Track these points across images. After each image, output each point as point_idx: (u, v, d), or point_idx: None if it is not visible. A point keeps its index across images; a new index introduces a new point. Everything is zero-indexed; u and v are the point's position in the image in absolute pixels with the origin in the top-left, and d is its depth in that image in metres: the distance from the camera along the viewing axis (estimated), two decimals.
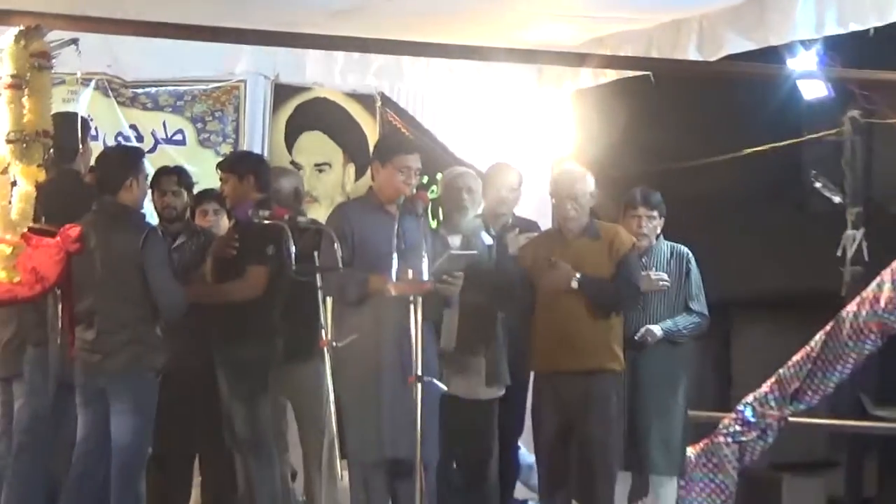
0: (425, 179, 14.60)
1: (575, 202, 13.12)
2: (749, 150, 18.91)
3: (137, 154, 12.92)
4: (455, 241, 13.12)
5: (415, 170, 12.51)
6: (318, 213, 14.67)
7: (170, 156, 15.01)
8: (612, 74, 16.00)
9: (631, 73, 15.85)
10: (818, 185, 17.68)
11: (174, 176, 13.49)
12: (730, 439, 15.88)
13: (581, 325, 13.09)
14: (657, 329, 13.03)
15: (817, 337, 15.21)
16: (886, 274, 14.66)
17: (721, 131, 19.20)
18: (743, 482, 16.14)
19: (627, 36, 14.99)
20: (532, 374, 13.39)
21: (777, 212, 19.41)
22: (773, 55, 14.33)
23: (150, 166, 13.47)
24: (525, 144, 16.40)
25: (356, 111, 16.30)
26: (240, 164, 13.23)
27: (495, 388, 13.07)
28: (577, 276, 12.85)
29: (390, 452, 12.22)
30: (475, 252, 12.92)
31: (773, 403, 15.63)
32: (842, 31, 13.43)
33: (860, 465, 21.67)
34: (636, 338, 12.98)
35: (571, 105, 16.69)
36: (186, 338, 12.61)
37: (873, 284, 14.83)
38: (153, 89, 15.61)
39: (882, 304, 14.58)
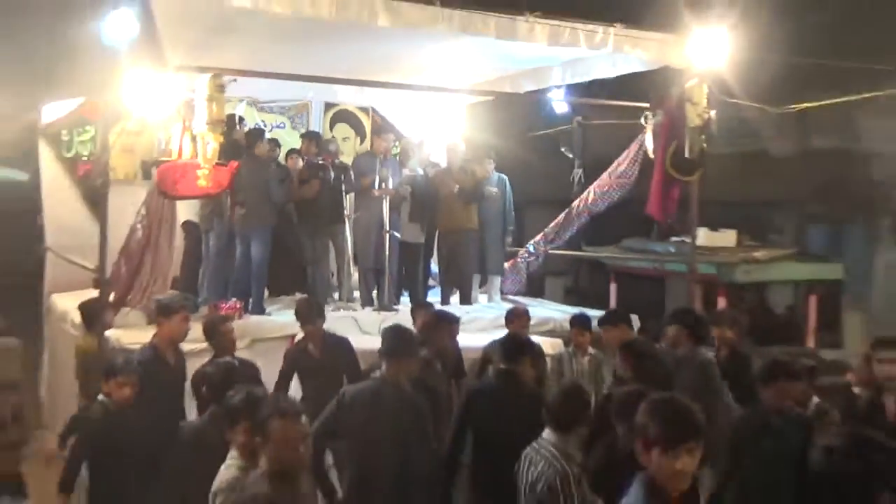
0: (395, 146, 16.27)
1: (454, 155, 15.59)
2: (536, 133, 18.37)
3: (260, 132, 14.42)
4: (406, 171, 15.05)
5: (391, 142, 15.54)
6: (345, 158, 16.09)
7: (278, 134, 16.94)
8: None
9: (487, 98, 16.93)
10: (563, 149, 17.90)
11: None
12: (523, 259, 16.90)
13: (458, 207, 15.10)
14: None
15: (561, 215, 16.33)
16: (591, 188, 15.81)
17: (528, 124, 18.76)
18: (528, 278, 17.15)
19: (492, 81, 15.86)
20: (437, 231, 15.47)
21: (547, 161, 19.33)
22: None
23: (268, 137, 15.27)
24: (439, 131, 17.24)
25: (360, 114, 18.32)
26: (309, 136, 15.39)
27: (422, 236, 15.14)
28: (457, 186, 15.00)
29: (375, 264, 14.40)
30: (415, 175, 15.01)
31: (542, 243, 16.58)
32: (573, 81, 14.91)
33: (578, 272, 22.78)
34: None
35: (465, 112, 17.87)
36: (288, 218, 14.49)
37: (584, 193, 16.03)
38: (271, 103, 17.48)
39: (588, 201, 15.64)
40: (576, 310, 13.47)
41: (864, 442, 4.31)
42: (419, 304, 12.43)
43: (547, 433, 6.53)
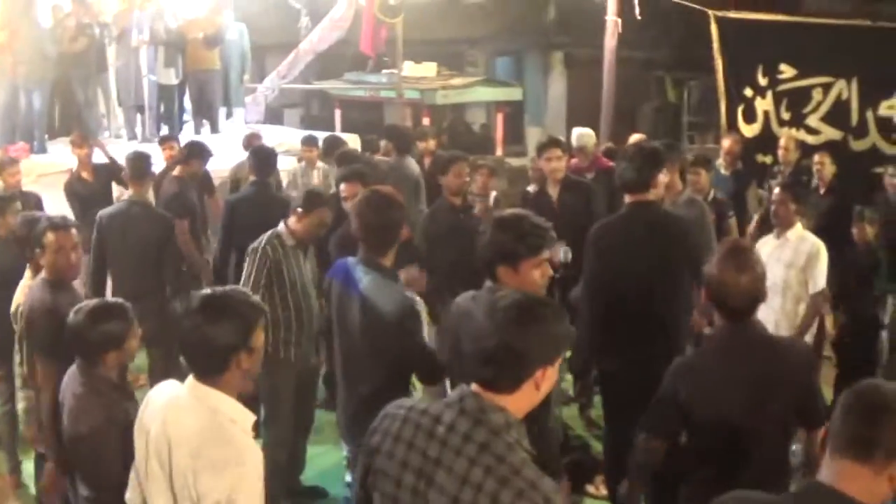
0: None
1: (201, 8, 15.45)
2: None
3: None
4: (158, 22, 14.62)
5: None
6: (106, 18, 15.07)
7: None
8: None
9: None
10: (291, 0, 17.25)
11: None
12: (261, 93, 17.23)
13: (203, 53, 14.85)
14: None
15: (290, 55, 16.80)
16: (315, 30, 16.46)
17: None
18: (267, 109, 17.78)
19: None
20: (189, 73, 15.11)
21: (279, 9, 18.59)
22: None
23: None
24: None
25: None
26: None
27: (176, 78, 14.88)
28: (202, 34, 14.74)
29: (137, 102, 14.52)
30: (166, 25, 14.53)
31: (276, 79, 16.96)
32: None
33: (310, 102, 22.88)
34: None
35: None
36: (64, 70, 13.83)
37: (311, 34, 16.60)
38: None
39: (314, 41, 16.37)
40: (309, 133, 13.77)
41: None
42: (165, 137, 12.30)
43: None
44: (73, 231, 5.75)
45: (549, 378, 3.00)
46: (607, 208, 8.61)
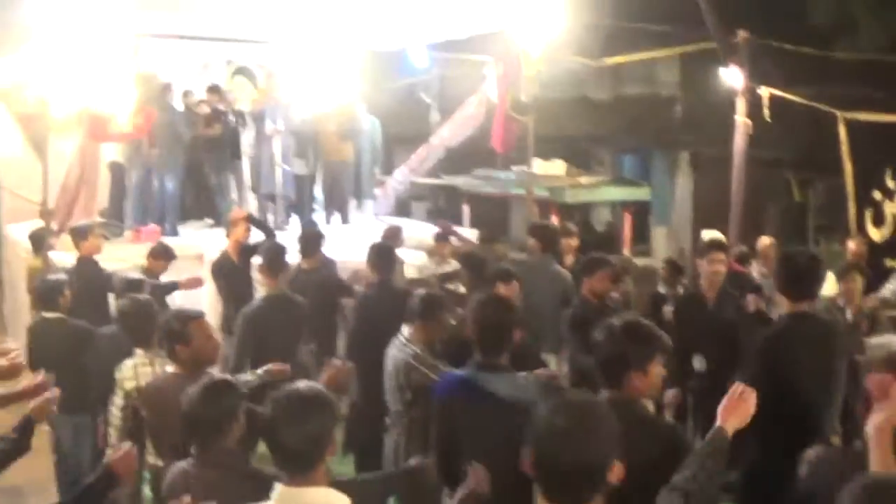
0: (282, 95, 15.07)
1: (334, 100, 14.72)
2: (401, 82, 18.58)
3: (170, 85, 13.94)
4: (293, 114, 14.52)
5: (279, 90, 14.62)
6: (241, 106, 15.51)
7: (187, 86, 15.41)
8: None
9: None
10: (422, 95, 17.93)
11: None
12: (391, 186, 16.98)
13: (338, 144, 14.84)
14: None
15: (421, 150, 16.73)
16: (445, 126, 16.22)
17: (387, 74, 18.32)
18: (397, 202, 17.47)
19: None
20: (321, 163, 15.16)
21: (411, 104, 18.56)
22: None
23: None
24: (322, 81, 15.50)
25: (255, 68, 16.94)
26: (212, 88, 14.69)
27: (307, 168, 14.84)
28: (335, 126, 14.76)
29: (268, 190, 14.23)
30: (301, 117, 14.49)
31: (406, 173, 16.93)
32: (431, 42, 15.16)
33: (438, 195, 22.36)
34: None
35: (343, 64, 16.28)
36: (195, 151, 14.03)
37: (440, 129, 16.42)
38: (183, 60, 15.82)
39: (444, 137, 16.09)
40: (436, 227, 13.38)
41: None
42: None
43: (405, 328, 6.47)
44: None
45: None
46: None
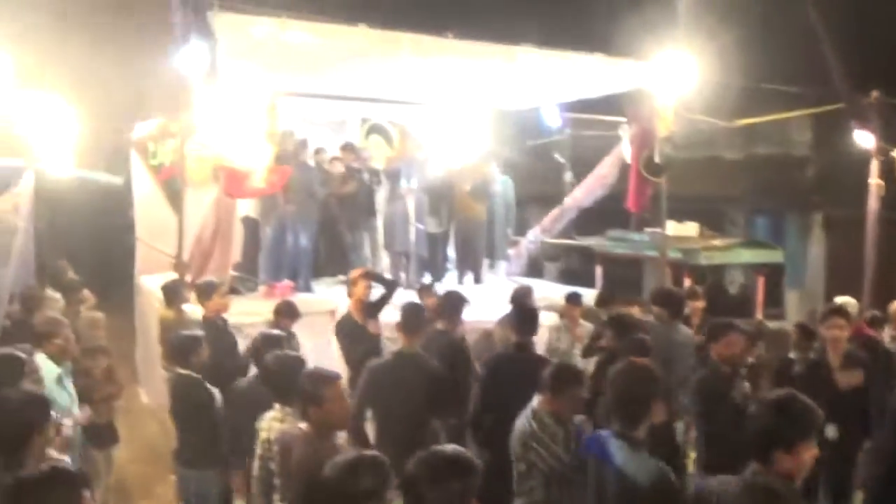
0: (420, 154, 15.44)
1: (467, 160, 15.32)
2: (534, 142, 18.43)
3: (306, 141, 13.69)
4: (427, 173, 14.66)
5: (415, 149, 15.27)
6: (375, 163, 15.45)
7: (322, 144, 15.37)
8: None
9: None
10: (556, 156, 18.13)
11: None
12: (524, 246, 16.85)
13: (471, 203, 14.93)
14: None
15: (555, 210, 16.57)
16: (579, 187, 16.20)
17: (528, 135, 18.45)
18: (529, 262, 17.21)
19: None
20: (453, 222, 15.30)
21: (544, 164, 18.40)
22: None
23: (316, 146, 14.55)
24: (455, 140, 16.31)
25: (390, 126, 17.18)
26: (347, 146, 14.80)
27: (440, 227, 14.91)
28: (469, 186, 14.83)
29: (402, 248, 14.24)
30: (435, 176, 14.68)
31: (539, 234, 16.76)
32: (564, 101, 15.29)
33: (570, 256, 21.18)
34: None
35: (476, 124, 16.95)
36: (329, 208, 14.02)
37: (574, 191, 16.44)
38: (318, 117, 16.00)
39: (577, 198, 16.04)
40: (569, 288, 13.08)
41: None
42: (425, 286, 12.12)
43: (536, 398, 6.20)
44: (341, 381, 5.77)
45: None
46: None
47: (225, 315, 9.57)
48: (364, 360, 8.19)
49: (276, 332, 8.21)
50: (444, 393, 7.67)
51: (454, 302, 9.38)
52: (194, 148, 13.13)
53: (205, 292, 9.47)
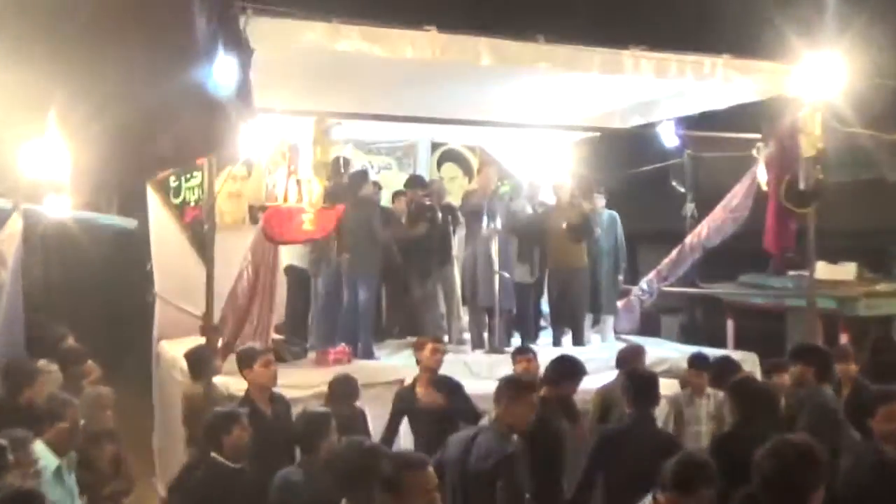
0: (500, 183, 15.77)
1: (562, 192, 15.28)
2: (645, 168, 18.01)
3: (364, 174, 14.37)
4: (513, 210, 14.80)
5: (496, 178, 15.16)
6: (451, 199, 16.00)
7: (386, 176, 17.06)
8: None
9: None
10: (674, 183, 18.18)
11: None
12: (636, 297, 16.64)
13: (568, 246, 14.92)
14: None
15: (674, 251, 16.22)
16: (704, 223, 15.80)
17: (636, 159, 18.16)
18: (642, 317, 16.89)
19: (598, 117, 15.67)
20: (547, 270, 15.28)
21: (658, 196, 18.60)
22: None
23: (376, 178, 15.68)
24: (546, 168, 16.73)
25: (467, 153, 18.29)
26: (413, 181, 15.36)
27: (532, 275, 14.88)
28: (566, 224, 14.77)
29: (484, 303, 14.18)
30: (523, 213, 14.89)
31: (655, 281, 16.47)
32: (682, 115, 14.81)
33: (694, 308, 22.24)
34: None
35: (569, 149, 17.43)
36: (393, 256, 14.24)
37: (697, 228, 15.98)
38: (377, 144, 17.29)
39: (702, 236, 15.57)
40: (692, 349, 12.92)
41: None
42: (521, 349, 11.85)
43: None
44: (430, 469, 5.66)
45: None
46: None
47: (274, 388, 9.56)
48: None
49: (321, 409, 8.22)
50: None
51: (568, 369, 9.47)
52: (227, 183, 13.21)
53: (245, 361, 9.46)
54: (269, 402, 9.35)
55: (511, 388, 7.56)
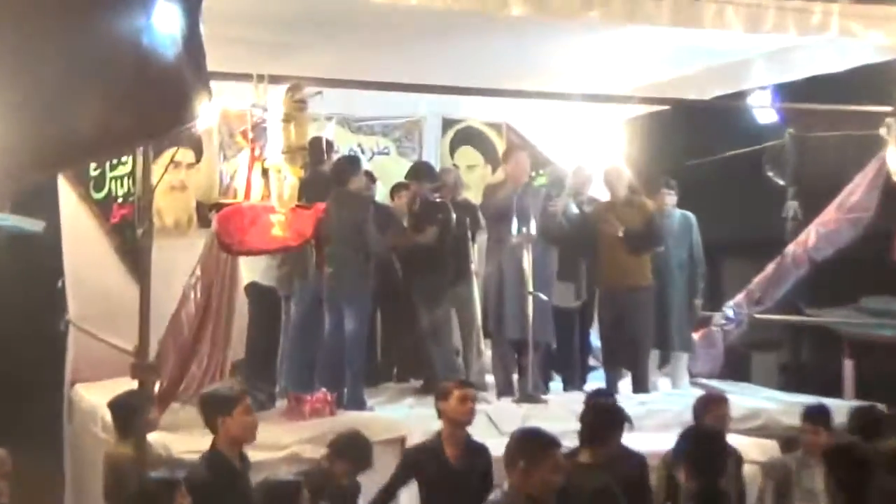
0: (534, 173, 15.40)
1: (618, 186, 15.10)
2: (730, 153, 18.39)
3: (354, 160, 14.49)
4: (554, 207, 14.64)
5: (529, 167, 14.65)
6: (469, 194, 16.15)
7: (381, 163, 16.87)
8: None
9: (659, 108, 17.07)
10: (770, 174, 17.88)
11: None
12: (718, 328, 16.62)
13: (626, 258, 14.70)
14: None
15: (770, 266, 16.20)
16: (812, 227, 15.65)
17: (718, 141, 18.55)
18: (726, 354, 16.77)
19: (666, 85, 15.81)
20: (598, 291, 15.14)
21: (750, 188, 18.51)
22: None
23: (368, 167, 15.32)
24: (593, 153, 16.98)
25: (491, 133, 17.97)
26: (420, 168, 15.28)
27: (578, 298, 14.99)
28: (622, 228, 14.56)
29: (514, 335, 13.97)
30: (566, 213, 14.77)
31: (745, 305, 16.42)
32: (781, 81, 14.96)
33: (799, 343, 21.91)
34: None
35: (622, 129, 17.75)
36: (392, 271, 14.35)
37: (803, 234, 15.88)
38: (371, 122, 17.08)
39: (809, 244, 15.46)
40: (796, 398, 12.85)
41: None
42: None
43: None
44: None
45: None
46: None
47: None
48: None
49: (288, 478, 8.33)
50: None
51: (605, 420, 9.28)
52: (167, 171, 12.97)
53: (221, 406, 8.94)
54: (240, 461, 8.99)
55: (528, 445, 7.45)
